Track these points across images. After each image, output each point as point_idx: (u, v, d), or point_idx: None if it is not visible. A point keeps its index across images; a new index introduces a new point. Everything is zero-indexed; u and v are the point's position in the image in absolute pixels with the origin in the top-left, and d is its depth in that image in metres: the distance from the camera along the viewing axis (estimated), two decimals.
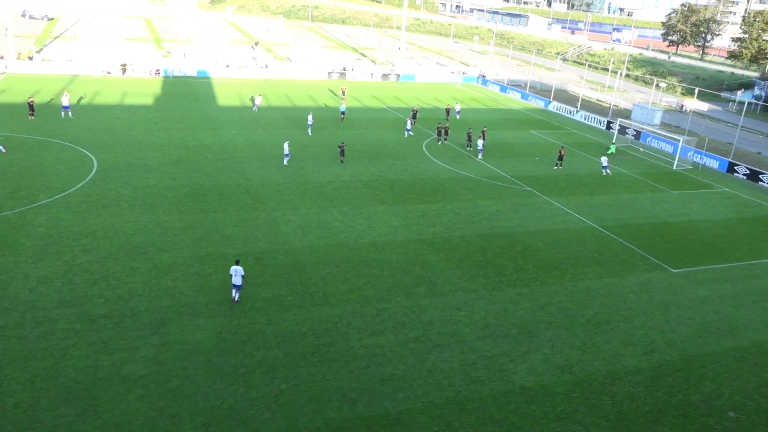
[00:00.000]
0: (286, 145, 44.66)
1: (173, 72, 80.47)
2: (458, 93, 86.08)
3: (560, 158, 48.87)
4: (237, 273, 25.16)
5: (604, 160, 48.06)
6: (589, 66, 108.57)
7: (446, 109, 64.39)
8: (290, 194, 39.14)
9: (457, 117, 63.55)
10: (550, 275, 30.49)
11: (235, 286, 25.18)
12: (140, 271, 27.79)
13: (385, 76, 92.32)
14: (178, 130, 52.74)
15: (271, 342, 23.22)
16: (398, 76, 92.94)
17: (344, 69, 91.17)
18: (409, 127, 54.98)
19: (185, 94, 68.74)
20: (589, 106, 79.50)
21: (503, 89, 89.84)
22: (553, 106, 78.34)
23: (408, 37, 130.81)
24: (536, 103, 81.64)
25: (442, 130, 51.14)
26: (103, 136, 48.71)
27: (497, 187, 43.85)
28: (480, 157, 49.09)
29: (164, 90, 70.75)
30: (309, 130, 53.10)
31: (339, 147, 44.51)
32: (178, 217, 34.04)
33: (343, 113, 59.43)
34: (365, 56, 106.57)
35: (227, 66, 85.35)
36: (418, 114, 61.33)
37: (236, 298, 25.30)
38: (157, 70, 79.51)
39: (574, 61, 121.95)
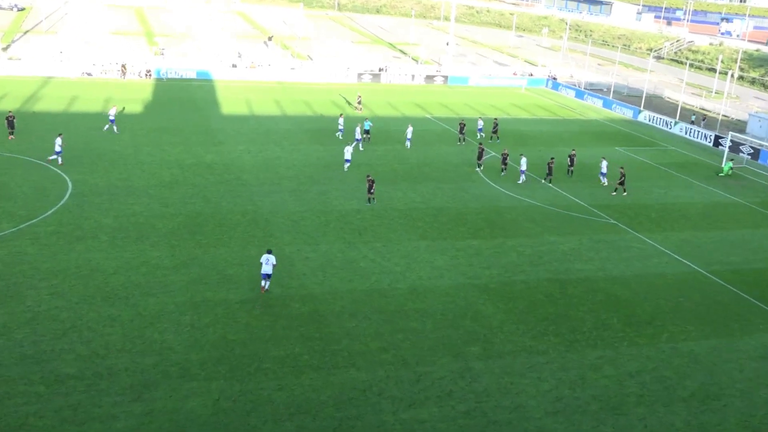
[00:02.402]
0: (348, 151, 48.71)
1: (168, 73, 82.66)
2: (522, 99, 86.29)
3: (621, 182, 48.77)
4: (269, 261, 29.84)
5: (604, 165, 50.70)
6: (691, 66, 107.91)
7: (494, 122, 64.10)
8: (309, 226, 39.44)
9: (480, 135, 61.89)
10: (642, 334, 30.20)
11: (265, 275, 29.55)
12: (120, 321, 28.02)
13: (430, 78, 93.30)
14: (172, 145, 53.81)
15: (282, 413, 23.19)
16: (446, 78, 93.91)
17: (379, 69, 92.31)
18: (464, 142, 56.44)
19: (182, 101, 70.34)
20: (689, 116, 78.63)
21: (579, 95, 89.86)
22: (645, 116, 78.22)
23: (458, 29, 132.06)
24: (622, 112, 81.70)
25: (506, 157, 50.98)
26: (79, 151, 49.85)
27: (572, 219, 43.79)
28: (522, 179, 49.82)
29: (156, 95, 72.45)
30: (360, 146, 55.24)
31: (367, 180, 43.16)
32: (169, 253, 34.43)
33: (367, 132, 57.63)
34: (405, 54, 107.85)
35: (234, 66, 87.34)
36: (466, 127, 61.64)
37: (266, 287, 29.73)
38: (148, 71, 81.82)
39: (672, 60, 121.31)
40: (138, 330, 27.40)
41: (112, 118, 56.08)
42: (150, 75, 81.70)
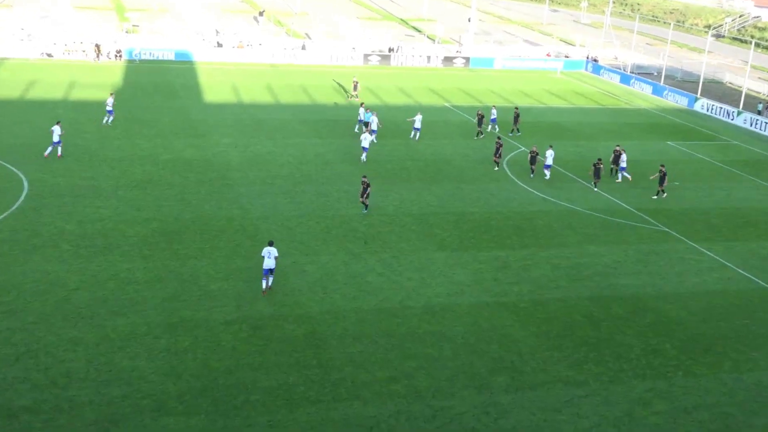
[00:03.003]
0: (366, 138, 50.99)
1: (141, 54, 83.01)
2: (557, 85, 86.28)
3: (661, 181, 48.55)
4: (270, 254, 31.85)
5: (623, 159, 51.30)
6: (757, 46, 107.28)
7: (514, 112, 63.14)
8: (306, 233, 39.42)
9: (493, 129, 61.41)
10: (700, 362, 29.96)
11: (267, 270, 31.75)
12: (84, 344, 27.76)
13: (449, 60, 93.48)
14: (145, 138, 53.95)
15: None
16: (467, 60, 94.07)
17: (389, 50, 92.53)
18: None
19: (157, 86, 70.50)
20: (755, 105, 78.21)
21: (625, 79, 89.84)
22: (702, 104, 78.19)
23: (482, 3, 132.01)
24: (676, 100, 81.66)
25: (536, 156, 50.56)
26: (38, 146, 49.71)
27: (616, 226, 43.71)
28: (547, 176, 50.52)
29: (128, 80, 72.63)
30: (374, 137, 55.25)
31: (362, 182, 42.43)
32: (141, 265, 34.40)
33: (366, 125, 56.41)
34: (419, 32, 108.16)
35: (219, 46, 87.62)
36: (485, 118, 61.19)
37: (269, 285, 32.02)
38: (119, 52, 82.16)
39: (734, 39, 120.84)
40: (105, 355, 27.20)
41: (110, 108, 56.50)
42: (120, 56, 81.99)
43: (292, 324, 30.38)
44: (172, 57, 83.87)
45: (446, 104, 72.05)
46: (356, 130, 58.32)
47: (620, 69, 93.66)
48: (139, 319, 29.81)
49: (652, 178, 49.74)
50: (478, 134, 60.48)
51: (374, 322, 31.04)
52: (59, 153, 47.78)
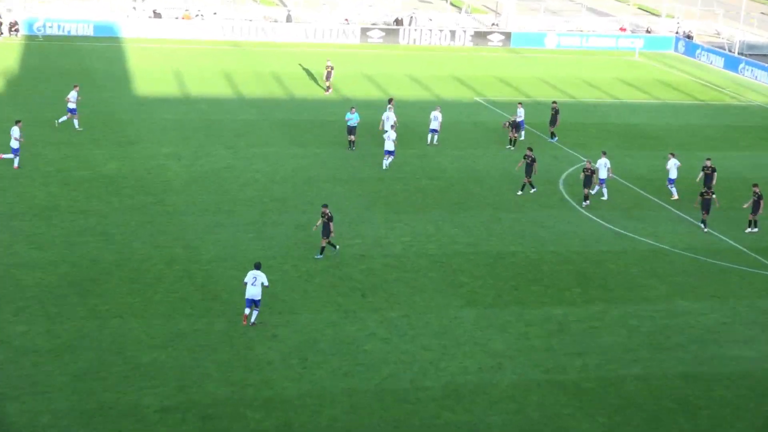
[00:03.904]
0: (390, 137, 53.02)
1: (46, 28, 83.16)
2: (635, 71, 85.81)
3: (755, 209, 48.59)
4: (256, 281, 34.34)
5: (673, 167, 52.32)
6: None
7: (552, 108, 63.44)
8: (279, 281, 38.84)
9: (514, 133, 61.58)
10: None
11: (250, 301, 34.56)
12: None
13: (482, 37, 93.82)
14: (51, 147, 53.92)
15: None
16: (507, 36, 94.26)
17: (396, 23, 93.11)
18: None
19: (69, 73, 70.11)
20: None
21: (731, 63, 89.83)
22: None
23: None
24: None
25: (592, 174, 50.42)
26: None
27: (719, 273, 43.52)
28: (604, 195, 51.19)
29: (26, 64, 72.82)
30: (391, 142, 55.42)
31: (322, 214, 41.76)
32: (44, 328, 33.96)
33: (352, 127, 57.87)
34: None
35: (156, 16, 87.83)
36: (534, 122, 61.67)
37: (253, 321, 34.61)
38: (14, 25, 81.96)
39: None
40: None
41: (71, 106, 57.62)
42: (17, 31, 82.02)
43: (257, 412, 30.00)
44: (90, 32, 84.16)
45: (477, 98, 72.00)
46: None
47: (724, 49, 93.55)
48: (40, 405, 29.34)
49: (745, 206, 49.27)
50: (511, 141, 60.90)
51: (375, 409, 30.56)
52: (15, 165, 49.28)
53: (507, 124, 61.77)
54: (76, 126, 57.63)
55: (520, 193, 52.26)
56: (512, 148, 59.80)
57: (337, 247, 42.44)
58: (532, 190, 52.17)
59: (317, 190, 50.29)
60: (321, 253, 42.09)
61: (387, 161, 54.17)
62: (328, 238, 41.82)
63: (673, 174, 52.68)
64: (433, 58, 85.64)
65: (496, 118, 66.78)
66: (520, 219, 48.53)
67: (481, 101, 71.88)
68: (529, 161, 51.83)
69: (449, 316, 37.73)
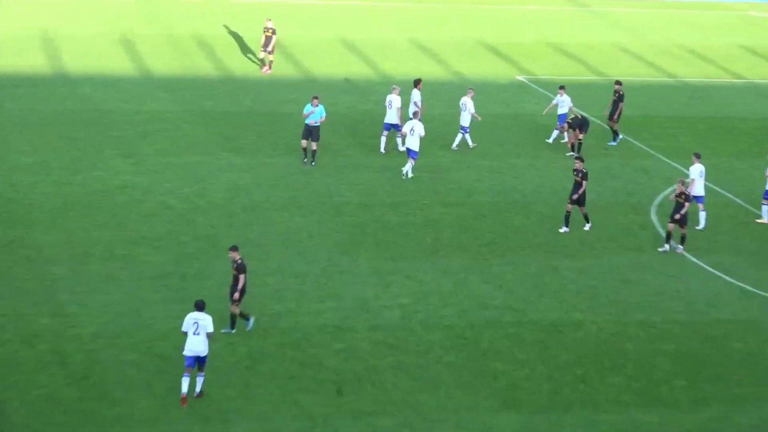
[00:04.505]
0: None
1: None
2: (754, 35, 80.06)
3: None
4: (199, 328, 29.54)
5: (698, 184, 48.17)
6: None
7: (615, 92, 55.96)
8: (208, 371, 31.45)
9: (560, 137, 55.50)
10: None
11: (191, 359, 29.24)
12: None
13: None
14: None
15: None
16: None
17: None
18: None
19: None
20: None
21: None
22: None
23: None
24: None
25: (687, 201, 45.43)
26: None
27: None
28: (701, 224, 45.17)
29: None
30: (398, 144, 51.83)
31: (231, 261, 35.53)
32: None
33: (311, 132, 51.00)
34: None
35: None
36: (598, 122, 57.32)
37: (198, 391, 29.44)
38: None
39: None
40: None
41: None
42: None
43: None
44: None
45: (520, 77, 64.31)
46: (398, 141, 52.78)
47: None
48: None
49: None
50: (574, 147, 53.54)
51: None
52: None
53: (564, 126, 53.86)
54: None
55: (565, 229, 44.59)
56: (574, 156, 51.54)
57: (251, 319, 35.34)
58: (587, 226, 44.47)
59: (265, 223, 42.52)
60: (232, 327, 35.42)
61: (408, 167, 47.74)
62: (234, 303, 35.24)
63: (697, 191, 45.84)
64: (449, 15, 78.26)
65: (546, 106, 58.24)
66: (589, 269, 40.33)
67: (526, 81, 63.87)
68: (579, 178, 43.71)
69: (478, 426, 30.28)
